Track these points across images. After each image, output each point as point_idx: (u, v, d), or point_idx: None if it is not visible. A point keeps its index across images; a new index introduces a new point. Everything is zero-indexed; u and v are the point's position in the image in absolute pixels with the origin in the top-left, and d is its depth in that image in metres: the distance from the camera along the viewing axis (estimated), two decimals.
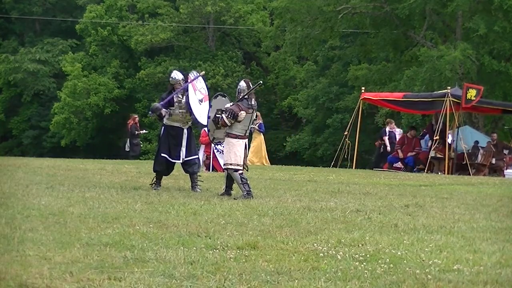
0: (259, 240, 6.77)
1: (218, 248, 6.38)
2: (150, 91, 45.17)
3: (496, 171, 22.43)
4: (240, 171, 11.08)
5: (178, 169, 12.71)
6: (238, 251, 6.28)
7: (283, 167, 22.71)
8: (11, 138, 48.68)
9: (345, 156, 24.04)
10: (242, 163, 11.13)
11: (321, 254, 6.22)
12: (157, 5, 45.09)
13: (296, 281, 5.27)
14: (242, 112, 11.09)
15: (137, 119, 25.82)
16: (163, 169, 12.12)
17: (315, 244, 6.63)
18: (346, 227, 7.87)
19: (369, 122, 35.82)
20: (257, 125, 21.25)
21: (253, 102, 11.29)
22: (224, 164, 11.52)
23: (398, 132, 24.61)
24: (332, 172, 19.42)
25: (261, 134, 21.98)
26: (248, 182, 11.05)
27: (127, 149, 24.93)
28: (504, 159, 22.76)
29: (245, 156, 11.33)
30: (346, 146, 23.81)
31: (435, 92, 24.51)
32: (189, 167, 12.06)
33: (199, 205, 9.49)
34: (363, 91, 25.23)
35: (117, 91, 44.81)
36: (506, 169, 22.45)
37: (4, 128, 47.90)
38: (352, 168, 23.63)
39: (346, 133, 24.26)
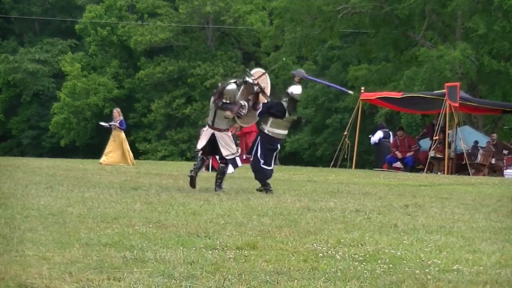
0: (259, 240, 6.76)
1: (217, 248, 6.36)
2: (149, 91, 45.17)
3: (495, 171, 22.40)
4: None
5: (177, 169, 12.70)
6: (238, 251, 6.27)
7: (283, 167, 22.70)
8: (11, 138, 48.65)
9: (345, 156, 24.03)
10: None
11: (321, 254, 6.21)
12: (157, 5, 45.10)
13: (296, 281, 5.26)
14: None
15: None
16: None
17: (314, 244, 6.62)
18: (346, 227, 7.86)
19: (369, 122, 35.80)
20: (118, 122, 20.54)
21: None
22: (227, 155, 11.84)
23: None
24: (332, 172, 19.41)
25: (122, 131, 20.67)
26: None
27: None
28: (504, 159, 22.73)
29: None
30: (346, 146, 23.79)
31: (434, 92, 24.50)
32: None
33: (199, 205, 9.48)
34: (362, 91, 25.22)
35: (117, 91, 44.81)
36: (506, 169, 22.42)
37: (3, 128, 47.88)
38: (351, 168, 23.65)
39: (345, 133, 24.26)
